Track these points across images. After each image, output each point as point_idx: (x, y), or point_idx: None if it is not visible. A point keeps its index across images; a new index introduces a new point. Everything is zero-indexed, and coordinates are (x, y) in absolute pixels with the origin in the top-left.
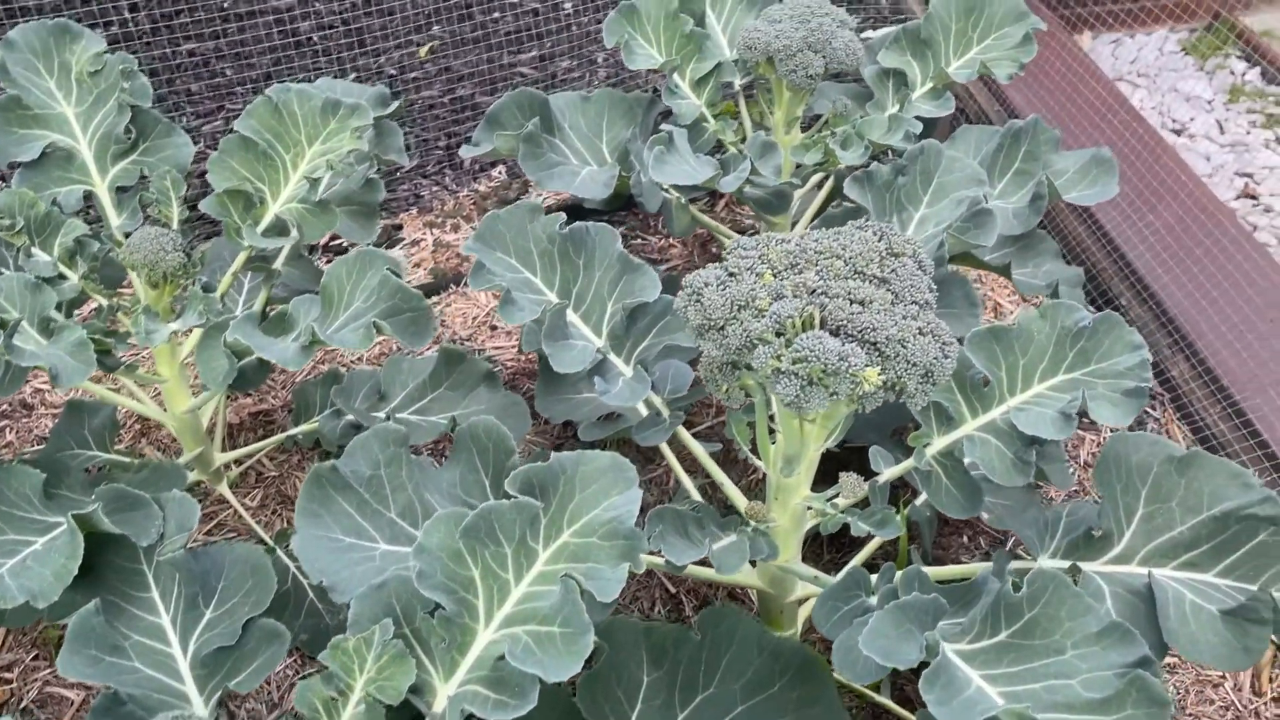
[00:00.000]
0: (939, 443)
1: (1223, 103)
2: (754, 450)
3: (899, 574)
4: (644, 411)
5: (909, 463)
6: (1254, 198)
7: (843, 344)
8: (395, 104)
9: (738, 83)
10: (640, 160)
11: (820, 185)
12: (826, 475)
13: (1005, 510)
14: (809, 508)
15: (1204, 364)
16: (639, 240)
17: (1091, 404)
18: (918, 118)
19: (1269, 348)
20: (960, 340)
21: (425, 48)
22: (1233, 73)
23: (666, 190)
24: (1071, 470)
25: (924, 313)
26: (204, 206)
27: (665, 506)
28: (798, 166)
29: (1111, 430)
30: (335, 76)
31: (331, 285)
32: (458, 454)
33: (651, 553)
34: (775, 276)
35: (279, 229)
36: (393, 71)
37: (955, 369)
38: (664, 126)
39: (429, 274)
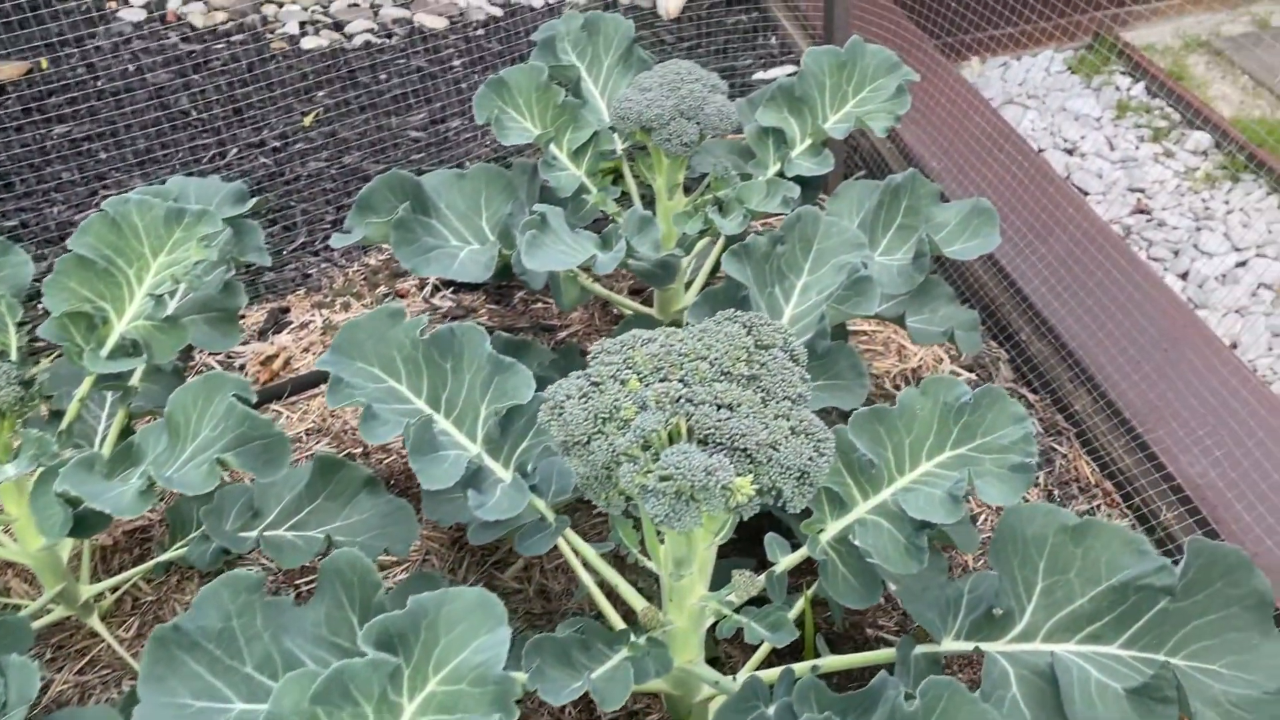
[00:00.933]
0: (832, 528)
1: (1111, 119)
2: (644, 552)
3: (796, 686)
4: (528, 516)
5: (804, 550)
6: (1146, 213)
7: (710, 455)
8: (253, 201)
9: (619, 148)
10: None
11: (714, 243)
12: (746, 544)
13: (906, 592)
14: (706, 606)
15: (1105, 397)
16: (539, 305)
17: (978, 482)
18: (799, 177)
19: (1166, 378)
20: (847, 417)
21: (310, 115)
22: (1118, 88)
23: None
24: (978, 533)
25: (797, 409)
26: (42, 332)
27: (543, 636)
28: (683, 234)
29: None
30: (216, 151)
31: (177, 414)
32: (322, 591)
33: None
34: (642, 382)
35: (127, 349)
36: (276, 143)
37: (840, 454)
38: (537, 208)
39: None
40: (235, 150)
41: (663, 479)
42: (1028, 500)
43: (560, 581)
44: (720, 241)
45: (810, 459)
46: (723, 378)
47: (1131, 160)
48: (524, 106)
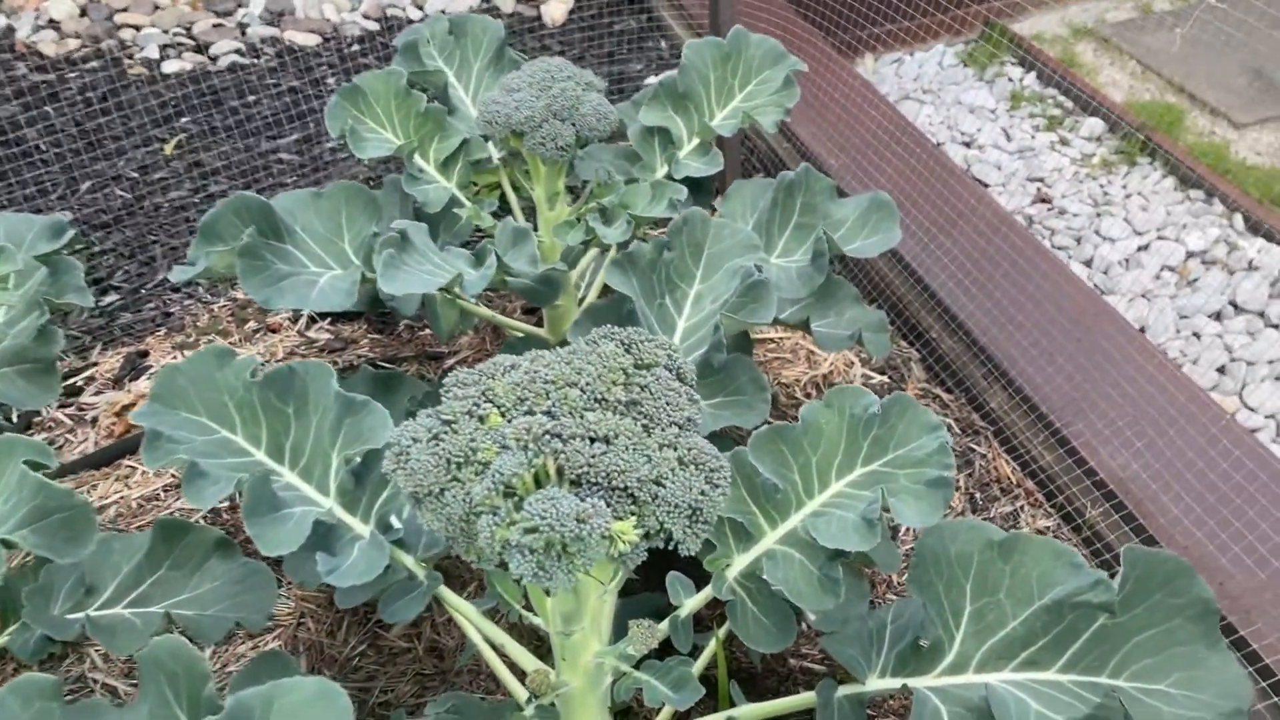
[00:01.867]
0: (739, 563)
1: (1006, 110)
2: (529, 607)
3: None
4: (397, 574)
5: (710, 590)
6: (1047, 201)
7: (584, 499)
8: (69, 234)
9: (495, 155)
10: None
11: (604, 255)
12: (657, 576)
13: (824, 624)
14: (603, 662)
15: (1020, 392)
16: (426, 331)
17: (893, 501)
18: (688, 179)
19: (1081, 369)
20: (748, 435)
21: (172, 143)
22: (1011, 79)
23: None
24: (899, 547)
25: (685, 436)
26: None
27: None
28: (567, 246)
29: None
30: (66, 188)
31: None
32: (145, 686)
33: None
34: (504, 416)
35: None
36: (133, 174)
37: (743, 479)
38: (396, 224)
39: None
40: (88, 184)
41: (528, 531)
42: (950, 511)
43: (454, 636)
44: (612, 252)
45: (702, 493)
46: (596, 405)
47: (1029, 150)
48: (383, 115)
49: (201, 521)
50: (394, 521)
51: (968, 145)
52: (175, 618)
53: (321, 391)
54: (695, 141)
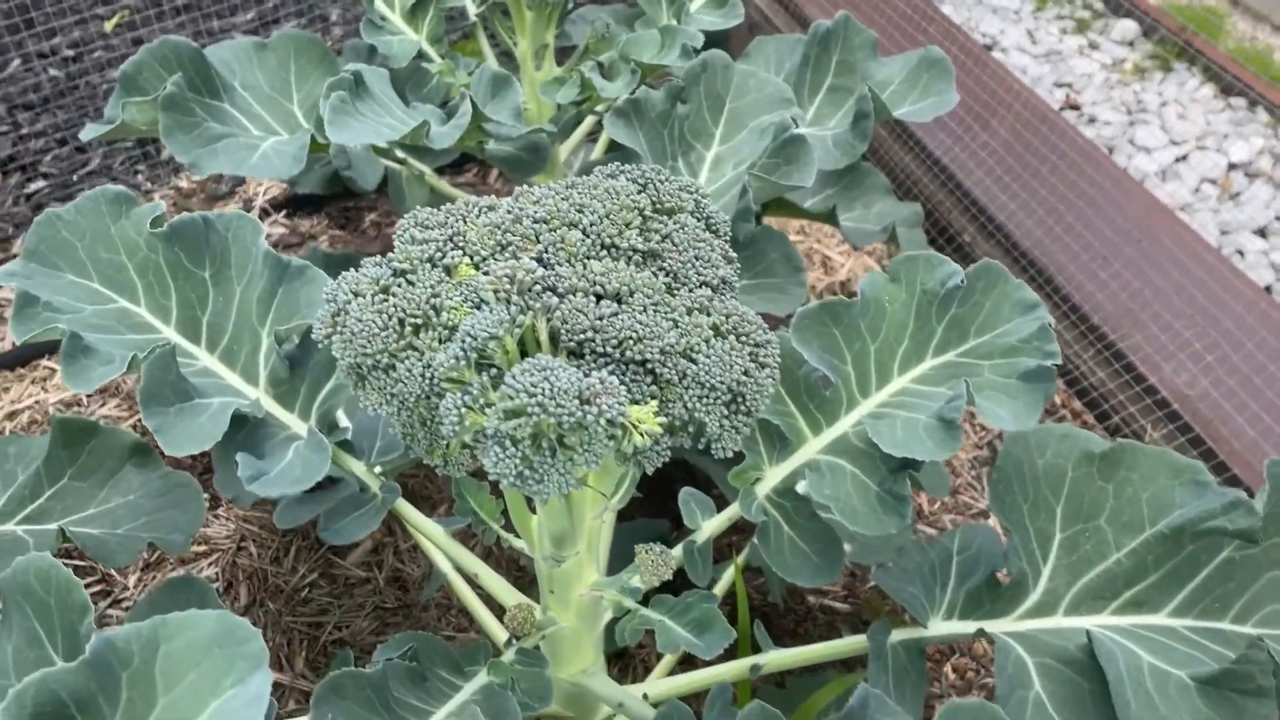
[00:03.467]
0: (773, 476)
1: (1030, 11)
2: (509, 527)
3: (738, 716)
4: (347, 488)
5: (734, 509)
6: (1077, 108)
7: (587, 372)
8: None
9: (472, 9)
10: None
11: (597, 122)
12: (656, 500)
13: (869, 555)
14: (601, 596)
15: (1069, 301)
16: (392, 227)
17: (979, 399)
18: (700, 31)
19: (1138, 274)
20: (784, 323)
21: (113, 19)
22: None
23: (387, 156)
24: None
25: (720, 299)
26: None
27: (343, 674)
28: (558, 109)
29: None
30: None
31: None
32: (7, 620)
33: None
34: (479, 268)
35: None
36: (69, 52)
37: (781, 371)
38: (350, 66)
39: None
40: (18, 62)
41: (510, 415)
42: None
43: (420, 565)
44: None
45: (746, 373)
46: (604, 253)
47: (1055, 54)
48: None
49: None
50: (341, 419)
51: (990, 48)
52: (77, 537)
53: (247, 252)
54: None
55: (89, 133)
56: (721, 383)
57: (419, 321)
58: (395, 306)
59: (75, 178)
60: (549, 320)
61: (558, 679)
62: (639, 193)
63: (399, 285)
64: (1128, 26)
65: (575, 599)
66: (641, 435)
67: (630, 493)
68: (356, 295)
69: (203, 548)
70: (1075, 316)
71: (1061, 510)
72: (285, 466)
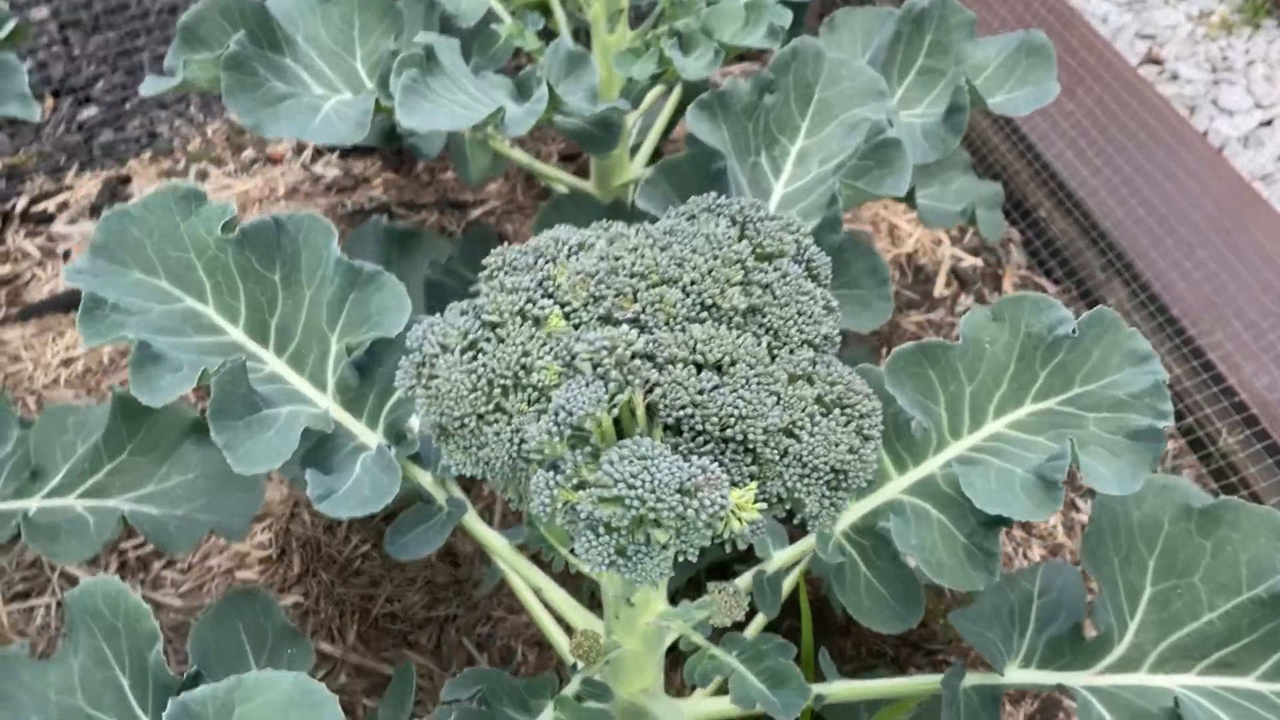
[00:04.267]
0: (853, 512)
1: None
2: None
3: None
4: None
5: (809, 540)
6: (1159, 62)
7: (688, 459)
8: (9, 25)
9: None
10: None
11: (668, 94)
12: None
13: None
14: (667, 626)
15: (1148, 289)
16: (450, 173)
17: (1081, 454)
18: (785, 2)
19: (1225, 266)
20: (865, 341)
21: None
22: None
23: None
24: None
25: (823, 363)
26: None
27: None
28: (629, 80)
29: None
30: None
31: None
32: (74, 637)
33: None
34: (569, 319)
35: None
36: None
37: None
38: (420, 38)
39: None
40: None
41: (605, 502)
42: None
43: (473, 541)
44: (677, 91)
45: (851, 451)
46: (704, 314)
47: (1140, 2)
48: None
49: None
50: (411, 426)
51: None
52: (136, 518)
53: (318, 256)
54: None
55: (150, 87)
56: (825, 463)
57: (508, 383)
58: (484, 366)
59: (127, 106)
60: (648, 394)
61: (618, 696)
62: (740, 239)
63: (488, 341)
64: None
65: (641, 626)
66: (741, 522)
67: None
68: (445, 350)
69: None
70: (1154, 307)
71: (1154, 564)
72: (353, 484)
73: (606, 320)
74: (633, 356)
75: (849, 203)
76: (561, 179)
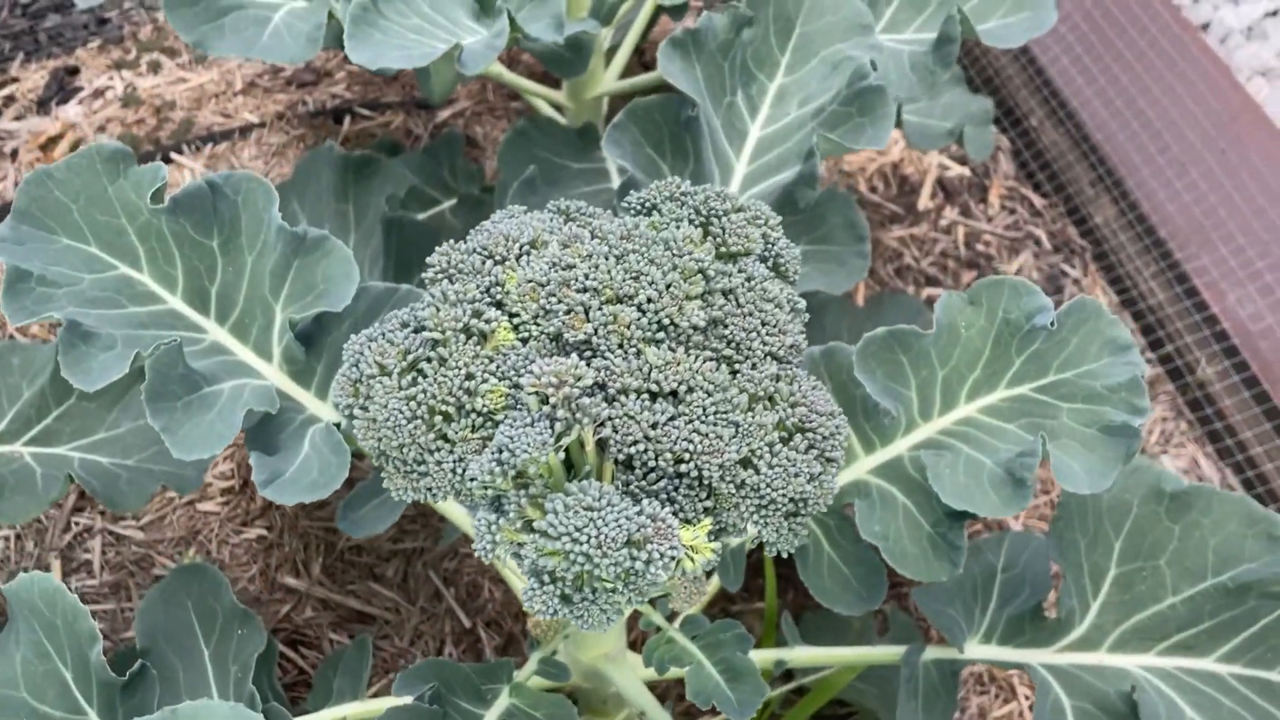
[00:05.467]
0: None
1: None
2: None
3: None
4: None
5: None
6: None
7: (638, 503)
8: None
9: None
10: None
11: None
12: None
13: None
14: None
15: (1136, 208)
16: None
17: (1052, 447)
18: None
19: (1216, 187)
20: (839, 302)
21: None
22: None
23: None
24: None
25: (787, 379)
26: None
27: None
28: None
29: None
30: None
31: None
32: (13, 629)
33: None
34: (517, 331)
35: None
36: None
37: (836, 385)
38: None
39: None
40: None
41: (546, 554)
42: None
43: None
44: (646, 6)
45: (811, 479)
46: (660, 334)
47: None
48: None
49: None
50: None
51: None
52: (86, 468)
53: (259, 221)
54: None
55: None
56: (784, 494)
57: (450, 409)
58: (424, 393)
59: None
60: (597, 430)
61: (579, 660)
62: (703, 239)
63: (429, 362)
64: None
65: None
66: (695, 564)
67: None
68: (383, 372)
69: (225, 471)
70: (1141, 227)
71: (1120, 545)
72: (301, 465)
73: (556, 339)
74: (581, 395)
75: (826, 154)
76: (534, 90)
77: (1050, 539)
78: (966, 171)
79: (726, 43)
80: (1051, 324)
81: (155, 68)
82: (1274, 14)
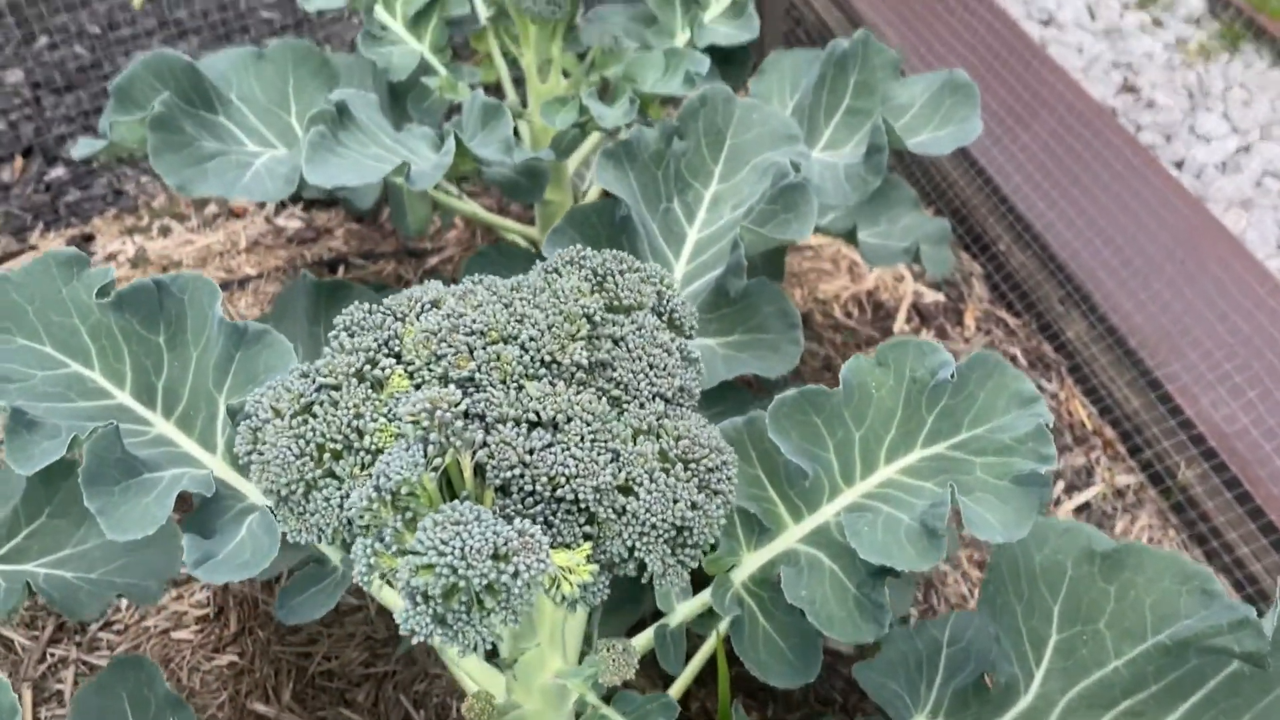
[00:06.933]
0: (751, 562)
1: None
2: None
3: None
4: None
5: (707, 596)
6: (1134, 91)
7: (511, 515)
8: None
9: (483, 13)
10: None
11: (608, 139)
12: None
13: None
14: (566, 684)
15: (1105, 321)
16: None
17: (965, 501)
18: (714, 48)
19: (1180, 296)
20: (776, 388)
21: None
22: None
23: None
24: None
25: (673, 417)
26: None
27: None
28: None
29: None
30: (22, 42)
31: None
32: None
33: None
34: (413, 378)
35: None
36: (96, 30)
37: (760, 455)
38: (335, 94)
39: None
40: (45, 40)
41: (420, 570)
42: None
43: None
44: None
45: (694, 505)
46: (543, 370)
47: (1115, 31)
48: None
49: None
50: None
51: (1045, 23)
52: (49, 582)
53: (203, 316)
54: (727, 1)
55: (81, 150)
56: (664, 520)
57: (339, 447)
58: (314, 431)
59: (95, 165)
60: (474, 455)
61: None
62: (593, 291)
63: (320, 405)
64: (1194, 4)
65: (539, 685)
66: (572, 586)
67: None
68: (276, 415)
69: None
70: (1112, 339)
71: (1059, 610)
72: (235, 547)
73: (444, 379)
74: (454, 420)
75: (753, 248)
76: (507, 226)
77: (982, 601)
78: (942, 297)
79: (658, 153)
80: (952, 376)
81: (165, 232)
82: (1246, 149)
